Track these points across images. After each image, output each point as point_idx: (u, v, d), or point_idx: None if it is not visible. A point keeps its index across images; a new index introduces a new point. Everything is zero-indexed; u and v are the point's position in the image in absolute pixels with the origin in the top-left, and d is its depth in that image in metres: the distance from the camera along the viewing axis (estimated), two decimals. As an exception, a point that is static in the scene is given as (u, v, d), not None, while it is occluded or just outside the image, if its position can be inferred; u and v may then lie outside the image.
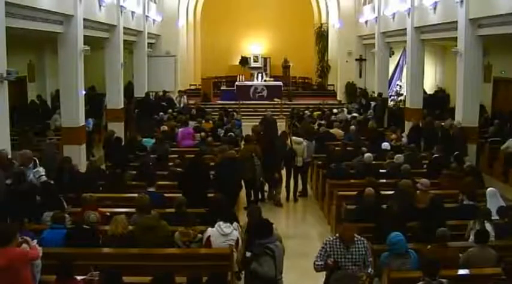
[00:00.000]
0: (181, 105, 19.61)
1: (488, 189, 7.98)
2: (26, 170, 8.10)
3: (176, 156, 11.09)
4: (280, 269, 5.79)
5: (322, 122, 15.66)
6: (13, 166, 7.97)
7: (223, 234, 6.50)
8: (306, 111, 18.15)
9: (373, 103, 19.23)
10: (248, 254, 5.86)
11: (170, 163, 10.59)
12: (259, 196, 11.14)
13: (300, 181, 11.73)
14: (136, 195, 7.79)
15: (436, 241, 6.24)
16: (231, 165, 9.51)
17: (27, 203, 7.37)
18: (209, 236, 6.52)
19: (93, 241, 6.52)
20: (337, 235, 5.72)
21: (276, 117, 17.21)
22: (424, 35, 16.25)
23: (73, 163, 9.67)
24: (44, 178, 8.31)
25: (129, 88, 19.72)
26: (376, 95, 20.25)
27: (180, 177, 9.35)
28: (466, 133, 12.49)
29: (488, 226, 6.79)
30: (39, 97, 18.09)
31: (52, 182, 8.35)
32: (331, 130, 14.44)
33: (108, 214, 7.43)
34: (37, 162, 8.64)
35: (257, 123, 14.68)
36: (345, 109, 18.97)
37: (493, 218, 7.12)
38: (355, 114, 17.45)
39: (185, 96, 20.67)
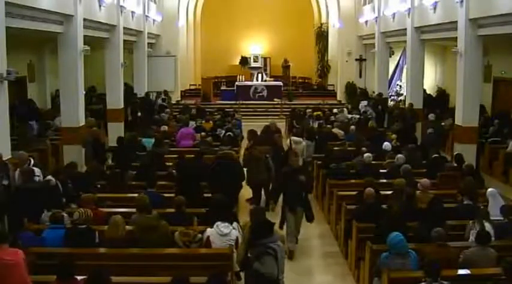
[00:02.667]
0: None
1: (489, 190, 7.97)
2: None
3: (176, 156, 11.06)
4: (281, 269, 5.79)
5: (321, 122, 15.65)
6: (7, 167, 7.95)
7: (222, 234, 6.49)
8: (308, 110, 18.11)
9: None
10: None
11: (170, 164, 10.56)
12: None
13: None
14: (136, 195, 7.78)
15: (433, 241, 6.23)
16: (229, 165, 9.48)
17: (30, 203, 7.37)
18: (209, 236, 6.52)
19: (87, 241, 6.44)
20: None
21: (275, 118, 17.10)
22: (424, 35, 16.24)
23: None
24: (38, 178, 8.28)
25: (125, 90, 19.62)
26: (376, 95, 20.25)
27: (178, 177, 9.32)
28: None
29: (487, 226, 6.78)
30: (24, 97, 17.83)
31: (53, 183, 8.35)
32: (332, 130, 14.41)
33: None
34: (32, 162, 8.64)
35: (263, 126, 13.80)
36: (345, 109, 18.93)
37: (492, 218, 7.12)
38: (355, 115, 17.43)
39: (161, 98, 20.62)
